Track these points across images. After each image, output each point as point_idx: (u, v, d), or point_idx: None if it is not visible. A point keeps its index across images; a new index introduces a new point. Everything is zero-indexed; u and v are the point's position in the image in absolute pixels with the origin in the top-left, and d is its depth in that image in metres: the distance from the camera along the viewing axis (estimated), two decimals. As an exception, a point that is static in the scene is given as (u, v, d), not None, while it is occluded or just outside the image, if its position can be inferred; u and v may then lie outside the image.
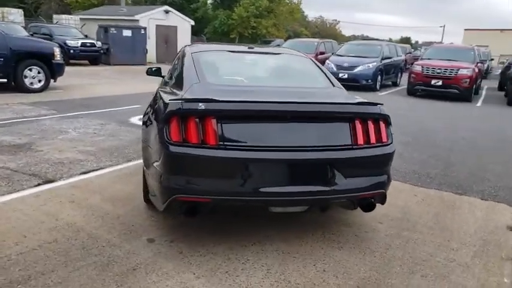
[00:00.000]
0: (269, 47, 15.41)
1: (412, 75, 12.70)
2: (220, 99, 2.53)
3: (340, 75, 13.18)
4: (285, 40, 35.96)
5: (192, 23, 25.75)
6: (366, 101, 2.86)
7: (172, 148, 2.47)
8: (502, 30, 53.78)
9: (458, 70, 11.83)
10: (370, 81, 13.41)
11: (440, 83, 11.97)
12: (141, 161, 4.45)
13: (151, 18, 21.84)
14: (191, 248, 2.74)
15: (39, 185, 3.73)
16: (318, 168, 2.58)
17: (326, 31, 59.87)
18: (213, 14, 39.89)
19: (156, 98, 3.12)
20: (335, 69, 13.54)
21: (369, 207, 2.76)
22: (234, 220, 3.16)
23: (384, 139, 2.73)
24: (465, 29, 56.97)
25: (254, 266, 2.56)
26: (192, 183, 2.51)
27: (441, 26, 56.87)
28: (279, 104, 2.58)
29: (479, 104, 12.03)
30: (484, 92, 14.91)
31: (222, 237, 2.89)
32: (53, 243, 2.69)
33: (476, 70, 12.38)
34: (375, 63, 13.61)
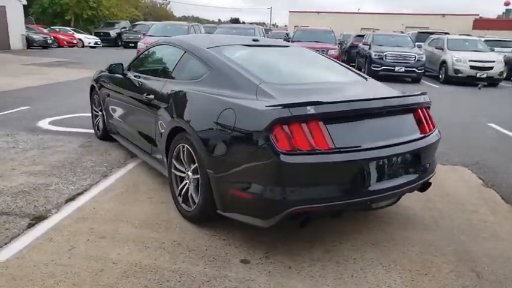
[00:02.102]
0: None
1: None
2: (324, 100, 2.44)
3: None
4: (131, 22, 33.87)
5: (24, 2, 21.94)
6: (417, 92, 3.12)
7: (285, 158, 2.29)
8: (319, 12, 61.59)
9: (328, 51, 13.27)
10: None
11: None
12: (122, 173, 3.92)
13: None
14: (292, 259, 2.60)
15: (32, 225, 2.90)
16: (407, 160, 2.75)
17: (157, 12, 58.37)
18: (42, -9, 34.62)
19: (214, 107, 2.72)
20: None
21: (426, 187, 3.07)
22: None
23: (434, 125, 3.06)
24: (290, 11, 63.28)
25: (368, 263, 2.60)
26: (305, 192, 2.39)
27: (268, 8, 61.55)
28: (376, 101, 2.63)
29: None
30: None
31: (310, 241, 2.82)
32: (145, 292, 2.21)
33: (339, 50, 14.11)
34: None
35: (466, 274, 2.52)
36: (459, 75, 12.93)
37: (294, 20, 60.60)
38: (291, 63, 3.56)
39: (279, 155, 2.29)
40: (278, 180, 2.35)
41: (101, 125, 5.09)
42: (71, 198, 3.39)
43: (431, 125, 2.98)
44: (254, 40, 3.74)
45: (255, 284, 2.34)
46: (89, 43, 28.00)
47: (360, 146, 2.49)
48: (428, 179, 2.95)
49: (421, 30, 18.39)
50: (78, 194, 3.48)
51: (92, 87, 5.22)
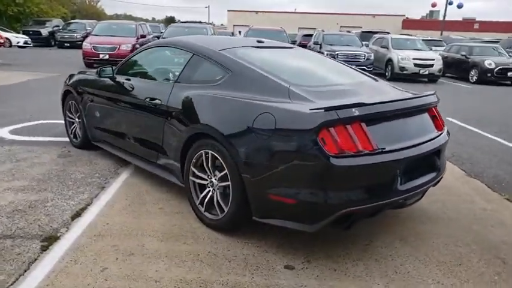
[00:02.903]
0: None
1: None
2: (367, 102, 2.48)
3: (176, 59, 13.00)
4: (64, 21, 31.71)
5: None
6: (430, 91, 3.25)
7: (335, 161, 2.30)
8: (257, 12, 62.40)
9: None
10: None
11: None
12: (119, 184, 3.68)
13: None
14: (334, 261, 2.61)
15: (46, 248, 2.62)
16: (432, 157, 2.87)
17: (86, 10, 55.50)
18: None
19: (244, 110, 2.63)
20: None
21: (438, 181, 3.23)
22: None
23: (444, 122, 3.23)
24: (228, 10, 63.46)
25: (404, 258, 2.68)
26: (352, 194, 2.41)
27: (206, 7, 61.10)
28: (407, 101, 2.71)
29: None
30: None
31: (342, 242, 2.84)
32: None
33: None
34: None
35: (493, 262, 2.69)
36: (404, 72, 13.78)
37: (233, 19, 60.90)
38: (305, 64, 3.55)
39: (329, 158, 2.29)
40: (327, 184, 2.35)
41: (79, 133, 4.72)
42: (76, 214, 3.11)
43: (443, 122, 3.14)
44: (259, 41, 3.69)
45: (309, 289, 2.32)
46: (18, 42, 25.74)
47: (397, 146, 2.56)
48: (443, 175, 3.11)
49: (364, 30, 19.34)
50: (82, 210, 3.20)
51: (66, 93, 4.83)
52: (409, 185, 2.66)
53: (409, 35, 17.80)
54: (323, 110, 2.35)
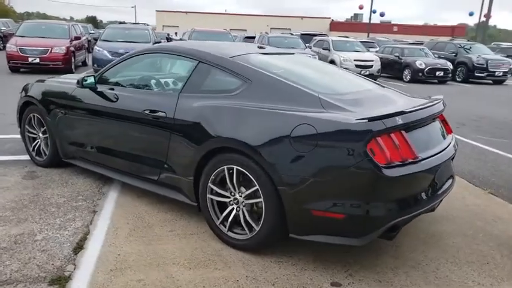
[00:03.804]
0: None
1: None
2: (407, 110, 2.46)
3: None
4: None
5: None
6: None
7: (387, 172, 2.25)
8: (187, 12, 61.52)
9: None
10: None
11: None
12: (111, 206, 3.34)
13: None
14: (374, 272, 2.55)
15: (59, 291, 2.24)
16: (450, 162, 2.93)
17: None
18: None
19: (281, 122, 2.46)
20: (110, 56, 12.40)
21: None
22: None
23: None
24: (157, 11, 61.74)
25: (437, 262, 2.70)
26: (400, 204, 2.38)
27: (132, 7, 58.88)
28: (433, 107, 2.71)
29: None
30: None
31: (372, 252, 2.79)
32: None
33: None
34: (150, 49, 13.30)
35: (513, 257, 2.83)
36: (346, 73, 14.34)
37: (161, 19, 59.28)
38: (317, 71, 3.44)
39: (381, 169, 2.23)
40: (379, 195, 2.29)
41: (45, 150, 4.19)
42: (78, 247, 2.72)
43: (450, 127, 3.24)
44: (260, 47, 3.53)
45: (364, 306, 2.24)
46: None
47: (429, 153, 2.57)
48: None
49: (303, 32, 19.84)
50: (82, 240, 2.81)
51: (26, 104, 4.26)
52: (440, 190, 2.70)
53: (346, 36, 18.61)
54: (368, 120, 2.28)
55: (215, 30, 15.36)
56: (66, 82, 4.03)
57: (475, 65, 15.39)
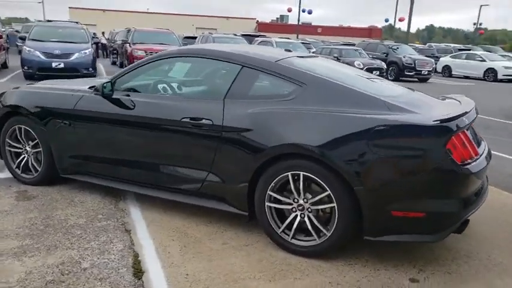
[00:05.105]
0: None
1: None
2: (467, 110, 2.60)
3: (54, 64, 11.31)
4: None
5: None
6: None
7: (464, 169, 2.39)
8: (104, 10, 58.46)
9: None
10: (91, 69, 12.19)
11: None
12: (144, 223, 3.23)
13: None
14: (440, 265, 2.67)
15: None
16: None
17: None
18: None
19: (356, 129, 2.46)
20: (43, 57, 11.34)
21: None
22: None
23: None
24: (70, 7, 57.65)
25: (487, 262, 2.86)
26: (470, 199, 2.54)
27: (40, 2, 54.34)
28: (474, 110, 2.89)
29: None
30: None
31: (428, 248, 2.91)
32: None
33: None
34: (91, 50, 12.42)
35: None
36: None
37: (75, 17, 55.38)
38: (349, 74, 3.44)
39: (460, 167, 2.35)
40: (457, 192, 2.41)
41: (35, 165, 3.71)
42: (138, 271, 2.47)
43: None
44: (287, 51, 3.48)
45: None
46: None
47: (480, 150, 2.75)
48: None
49: (244, 33, 19.89)
50: (136, 263, 2.55)
51: (8, 115, 3.74)
52: (485, 187, 2.90)
53: (287, 38, 19.05)
54: (444, 121, 2.39)
55: (157, 30, 14.73)
56: (65, 89, 3.61)
57: (405, 64, 16.76)
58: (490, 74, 18.66)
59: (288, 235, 2.72)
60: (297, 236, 2.72)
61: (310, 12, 40.43)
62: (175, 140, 3.02)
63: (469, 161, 2.46)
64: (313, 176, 2.57)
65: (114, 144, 3.30)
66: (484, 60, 19.25)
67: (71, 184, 3.77)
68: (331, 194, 2.53)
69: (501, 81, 18.44)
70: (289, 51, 3.52)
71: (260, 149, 2.69)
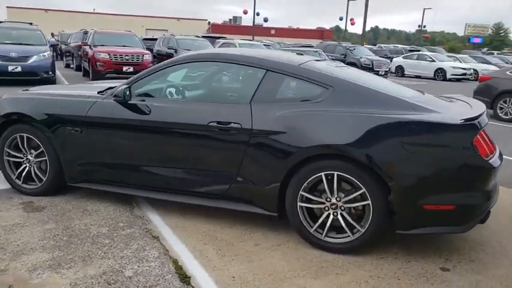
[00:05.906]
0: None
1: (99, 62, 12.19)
2: (484, 111, 2.83)
3: (10, 68, 10.68)
4: None
5: None
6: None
7: (491, 164, 2.61)
8: (47, 10, 55.54)
9: (143, 56, 12.56)
10: (51, 73, 11.59)
11: (131, 69, 12.29)
12: (169, 229, 3.25)
13: None
14: (462, 253, 2.89)
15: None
16: None
17: None
18: None
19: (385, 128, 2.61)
20: (-1, 61, 10.65)
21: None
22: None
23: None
24: (8, 7, 54.15)
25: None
26: (493, 192, 2.76)
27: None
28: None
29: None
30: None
31: (448, 238, 3.12)
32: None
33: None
34: (50, 52, 11.81)
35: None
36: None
37: (15, 17, 52.09)
38: (363, 76, 3.58)
39: (487, 162, 2.57)
40: (482, 185, 2.62)
41: (39, 175, 3.54)
42: (183, 276, 2.46)
43: None
44: (299, 54, 3.58)
45: (484, 282, 2.55)
46: None
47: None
48: None
49: (204, 34, 19.73)
50: (178, 269, 2.53)
51: (8, 123, 3.53)
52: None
53: (250, 40, 19.15)
54: (469, 120, 2.60)
55: (117, 32, 14.25)
56: (74, 95, 3.48)
57: (363, 65, 17.49)
58: (440, 74, 19.91)
59: (321, 233, 2.82)
60: (329, 234, 2.83)
61: (266, 20, 40.91)
62: (201, 145, 3.03)
63: (491, 156, 2.69)
64: (347, 176, 2.68)
65: (132, 151, 3.23)
66: (434, 61, 20.52)
67: (75, 193, 3.63)
68: (366, 192, 2.66)
69: (450, 80, 19.76)
70: (301, 54, 3.62)
71: (293, 151, 2.77)
